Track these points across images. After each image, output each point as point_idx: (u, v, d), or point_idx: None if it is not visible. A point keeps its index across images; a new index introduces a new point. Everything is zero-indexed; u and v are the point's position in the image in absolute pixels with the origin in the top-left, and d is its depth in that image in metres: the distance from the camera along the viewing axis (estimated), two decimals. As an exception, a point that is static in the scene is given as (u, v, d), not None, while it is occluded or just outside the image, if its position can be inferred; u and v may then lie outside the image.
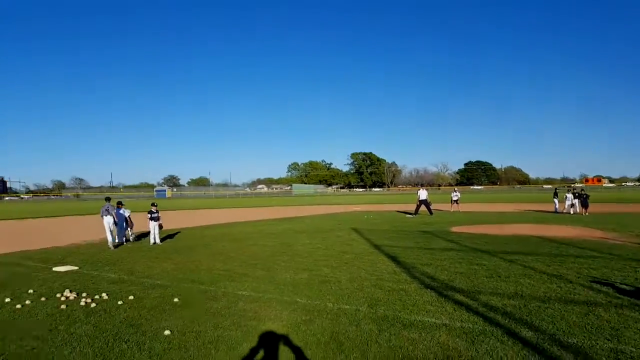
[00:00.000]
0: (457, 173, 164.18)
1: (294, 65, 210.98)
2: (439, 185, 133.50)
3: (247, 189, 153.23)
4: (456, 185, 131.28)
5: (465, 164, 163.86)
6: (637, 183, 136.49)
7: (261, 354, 4.14)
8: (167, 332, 4.65)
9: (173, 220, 22.51)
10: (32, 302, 6.15)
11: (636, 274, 7.26)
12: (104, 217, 12.22)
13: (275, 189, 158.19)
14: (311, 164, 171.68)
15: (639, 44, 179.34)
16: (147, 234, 13.23)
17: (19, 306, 5.89)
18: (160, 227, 12.86)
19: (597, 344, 4.17)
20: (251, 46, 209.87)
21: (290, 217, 23.91)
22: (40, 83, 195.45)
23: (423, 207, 23.84)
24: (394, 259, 9.39)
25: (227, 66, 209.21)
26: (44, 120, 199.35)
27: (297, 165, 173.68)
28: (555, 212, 24.00)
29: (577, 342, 4.24)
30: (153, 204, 13.31)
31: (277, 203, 49.29)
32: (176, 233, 15.53)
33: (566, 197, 23.31)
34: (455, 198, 27.47)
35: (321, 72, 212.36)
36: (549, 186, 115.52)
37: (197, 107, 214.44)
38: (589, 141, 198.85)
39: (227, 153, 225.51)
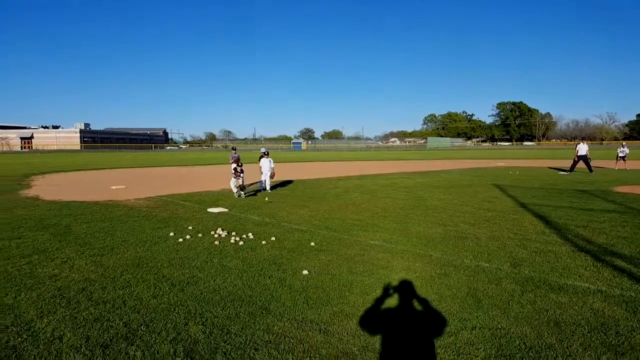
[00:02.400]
0: (627, 125, 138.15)
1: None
2: (602, 140, 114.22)
3: (380, 142, 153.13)
4: (624, 139, 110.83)
5: (638, 115, 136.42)
6: None
7: (394, 300, 4.26)
8: (305, 272, 5.08)
9: (309, 170, 23.93)
10: (191, 237, 7.16)
11: None
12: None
13: (409, 142, 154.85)
14: (450, 115, 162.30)
15: None
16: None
17: (180, 240, 6.91)
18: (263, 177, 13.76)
19: None
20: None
21: (424, 172, 23.17)
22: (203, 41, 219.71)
23: (581, 164, 20.91)
24: (542, 218, 8.55)
25: (351, 20, 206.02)
26: (202, 77, 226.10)
27: (434, 117, 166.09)
28: None
29: None
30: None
31: (409, 157, 48.45)
32: (311, 183, 16.51)
33: None
34: (622, 154, 23.44)
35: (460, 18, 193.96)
36: None
37: (330, 61, 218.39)
38: None
39: (360, 105, 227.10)
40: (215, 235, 7.19)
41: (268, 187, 13.84)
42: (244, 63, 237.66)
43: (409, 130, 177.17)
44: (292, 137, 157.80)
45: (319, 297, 4.33)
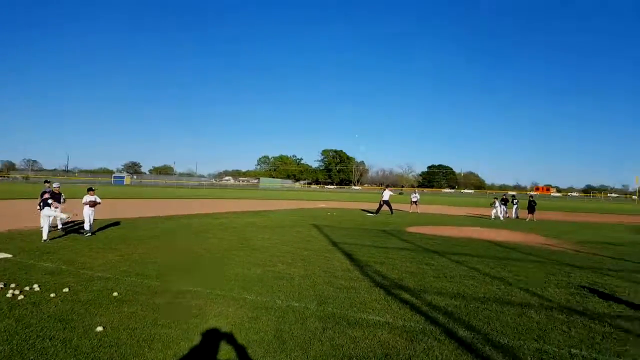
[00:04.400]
0: (420, 175, 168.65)
1: (273, 55, 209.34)
2: (402, 187, 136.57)
3: (213, 180, 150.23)
4: (417, 187, 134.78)
5: (428, 167, 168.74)
6: (582, 194, 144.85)
7: (198, 352, 4.03)
8: (99, 329, 4.43)
9: (128, 209, 21.70)
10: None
11: (569, 278, 7.68)
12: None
13: (243, 181, 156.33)
14: (282, 158, 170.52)
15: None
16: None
17: None
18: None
19: (525, 344, 4.36)
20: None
21: (254, 211, 23.65)
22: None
23: (385, 207, 24.29)
24: (349, 256, 9.48)
25: (198, 55, 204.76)
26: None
27: (267, 158, 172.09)
28: (499, 218, 23.88)
29: (507, 342, 4.41)
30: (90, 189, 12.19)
31: (242, 196, 48.66)
32: (127, 223, 14.96)
33: (495, 203, 23.73)
34: (414, 199, 28.08)
35: (294, 68, 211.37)
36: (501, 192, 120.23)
37: (166, 95, 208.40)
38: (541, 153, 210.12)
39: (194, 142, 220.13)
40: (-17, 290, 5.76)
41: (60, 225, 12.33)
42: (56, 78, 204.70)
43: (243, 169, 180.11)
44: (115, 170, 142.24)
45: (111, 358, 3.79)
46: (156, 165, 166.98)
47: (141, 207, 23.93)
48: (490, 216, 23.69)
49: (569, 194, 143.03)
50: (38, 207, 11.22)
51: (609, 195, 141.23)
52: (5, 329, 4.43)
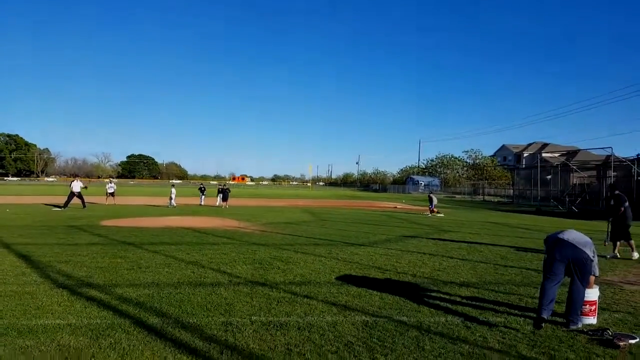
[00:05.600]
0: (120, 165, 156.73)
1: None
2: (99, 177, 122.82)
3: None
4: (117, 177, 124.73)
5: (128, 157, 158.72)
6: (271, 182, 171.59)
7: None
8: None
9: None
10: None
11: (255, 255, 9.01)
12: None
13: None
14: None
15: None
16: None
17: None
18: None
19: (213, 319, 4.84)
20: None
21: None
22: None
23: (76, 200, 21.38)
24: (26, 258, 7.98)
25: None
26: None
27: None
28: (200, 205, 26.54)
29: (196, 320, 4.79)
30: None
31: None
32: None
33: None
34: (111, 190, 25.91)
35: None
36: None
37: None
38: (239, 147, 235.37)
39: None
40: None
41: None
42: None
43: None
44: None
45: None
46: None
47: None
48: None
49: (260, 182, 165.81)
50: None
51: (290, 182, 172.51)
52: None
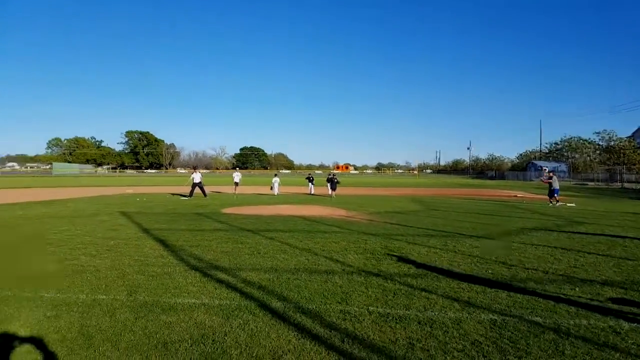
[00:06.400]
0: (234, 157, 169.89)
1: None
2: (217, 168, 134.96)
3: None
4: (235, 168, 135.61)
5: (241, 149, 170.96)
6: (376, 171, 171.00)
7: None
8: None
9: None
10: None
11: (366, 244, 8.96)
12: None
13: (31, 167, 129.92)
14: (77, 141, 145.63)
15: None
16: None
17: None
18: None
19: (331, 307, 4.91)
20: None
21: (48, 200, 20.04)
22: None
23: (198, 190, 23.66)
24: (162, 242, 8.95)
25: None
26: None
27: (60, 141, 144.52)
28: (310, 194, 27.43)
29: (315, 307, 4.89)
30: None
31: (33, 184, 40.15)
32: None
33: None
34: (237, 179, 27.86)
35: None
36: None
37: None
38: (341, 138, 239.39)
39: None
40: None
41: None
42: None
43: (31, 154, 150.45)
44: None
45: None
46: None
47: None
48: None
49: (364, 171, 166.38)
50: None
51: (395, 170, 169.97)
52: None
